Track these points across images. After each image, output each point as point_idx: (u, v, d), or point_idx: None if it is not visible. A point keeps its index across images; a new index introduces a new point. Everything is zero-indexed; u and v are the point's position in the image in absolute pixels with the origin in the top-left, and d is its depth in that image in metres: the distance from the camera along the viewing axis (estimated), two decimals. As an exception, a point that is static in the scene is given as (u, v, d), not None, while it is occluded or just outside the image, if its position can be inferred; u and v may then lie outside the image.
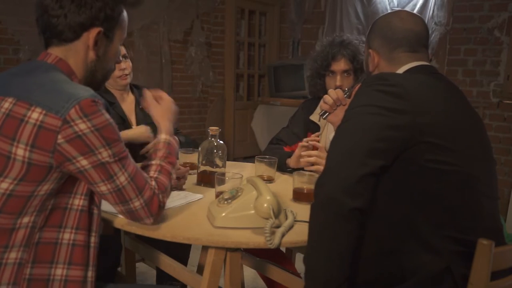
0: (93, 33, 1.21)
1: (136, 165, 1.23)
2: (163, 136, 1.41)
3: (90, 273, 1.20)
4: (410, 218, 1.15)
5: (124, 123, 2.25)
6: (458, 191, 1.16)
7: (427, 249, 1.13)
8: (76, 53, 1.23)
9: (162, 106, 1.49)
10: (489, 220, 1.20)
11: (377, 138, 1.13)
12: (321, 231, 1.12)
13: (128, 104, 2.33)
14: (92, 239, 1.21)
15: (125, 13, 1.29)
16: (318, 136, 1.91)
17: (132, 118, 2.33)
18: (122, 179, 1.16)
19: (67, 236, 1.17)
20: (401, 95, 1.17)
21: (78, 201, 1.18)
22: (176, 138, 1.45)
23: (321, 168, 1.80)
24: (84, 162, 1.10)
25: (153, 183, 1.25)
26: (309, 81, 2.21)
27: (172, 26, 4.88)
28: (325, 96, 1.79)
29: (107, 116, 1.14)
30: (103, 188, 1.16)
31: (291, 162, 1.95)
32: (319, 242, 1.13)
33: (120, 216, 1.28)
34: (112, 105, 2.21)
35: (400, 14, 1.42)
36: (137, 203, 1.20)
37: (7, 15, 3.77)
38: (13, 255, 1.11)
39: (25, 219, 1.12)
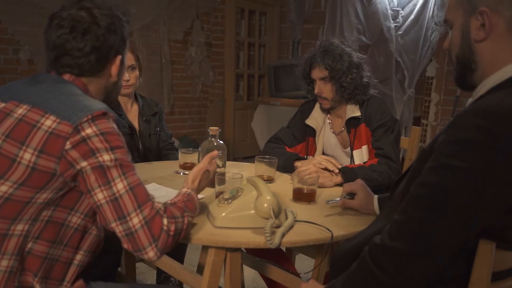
0: (117, 62, 1.27)
1: (142, 181, 1.15)
2: (184, 189, 1.33)
3: None
4: None
5: (132, 134, 2.30)
6: None
7: None
8: (98, 83, 1.28)
9: (204, 173, 1.43)
10: None
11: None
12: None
13: (132, 113, 2.37)
14: (78, 257, 1.20)
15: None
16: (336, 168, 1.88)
17: (136, 127, 2.36)
18: (119, 186, 1.10)
19: (56, 252, 1.16)
20: None
21: (76, 219, 1.17)
22: (197, 199, 1.35)
23: (326, 183, 1.81)
24: (84, 164, 1.09)
25: (159, 204, 1.15)
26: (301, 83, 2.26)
27: (172, 26, 4.88)
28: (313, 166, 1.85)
29: (115, 126, 1.15)
30: (99, 195, 1.10)
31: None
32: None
33: None
34: (120, 116, 2.28)
35: None
36: (135, 220, 1.09)
37: (7, 15, 3.77)
38: (4, 263, 1.10)
39: (19, 227, 1.11)
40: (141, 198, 1.11)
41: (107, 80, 1.29)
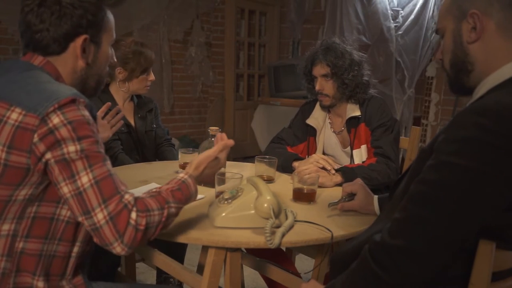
0: (78, 41, 1.18)
1: (113, 173, 1.08)
2: (181, 175, 1.25)
3: (65, 283, 1.18)
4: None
5: (130, 132, 2.32)
6: None
7: None
8: (65, 64, 1.20)
9: (213, 160, 1.33)
10: None
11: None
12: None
13: (128, 111, 2.38)
14: (75, 249, 1.17)
15: (109, 15, 1.25)
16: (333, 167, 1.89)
17: (132, 125, 2.38)
18: (84, 180, 1.04)
19: (51, 247, 1.13)
20: None
21: (65, 212, 1.13)
22: (194, 186, 1.26)
23: (326, 183, 1.81)
24: (48, 156, 1.04)
25: (129, 198, 1.07)
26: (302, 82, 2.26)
27: (172, 26, 4.88)
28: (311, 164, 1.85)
29: (85, 113, 1.08)
30: (65, 189, 1.05)
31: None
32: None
33: None
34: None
35: None
36: (100, 216, 1.03)
37: (7, 15, 3.77)
38: None
39: (5, 227, 1.09)
40: (107, 192, 1.05)
41: (74, 63, 1.20)
